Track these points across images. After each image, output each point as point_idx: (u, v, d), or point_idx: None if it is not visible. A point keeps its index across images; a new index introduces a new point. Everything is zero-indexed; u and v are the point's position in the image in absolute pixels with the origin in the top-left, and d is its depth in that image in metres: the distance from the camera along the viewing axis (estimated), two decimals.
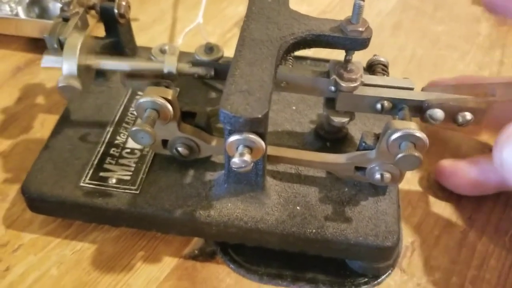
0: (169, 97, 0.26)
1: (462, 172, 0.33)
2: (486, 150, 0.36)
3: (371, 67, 0.30)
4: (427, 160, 0.36)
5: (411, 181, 0.35)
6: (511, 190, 0.32)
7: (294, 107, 0.35)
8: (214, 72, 0.31)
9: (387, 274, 0.30)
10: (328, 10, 0.48)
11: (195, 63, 0.31)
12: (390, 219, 0.28)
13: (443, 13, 0.49)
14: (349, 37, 0.26)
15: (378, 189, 0.30)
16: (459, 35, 0.47)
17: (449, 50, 0.45)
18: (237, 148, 0.24)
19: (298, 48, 0.27)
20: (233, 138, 0.24)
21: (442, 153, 0.36)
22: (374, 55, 0.31)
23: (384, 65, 0.30)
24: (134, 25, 0.38)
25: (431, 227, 0.33)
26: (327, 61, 0.38)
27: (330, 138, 0.32)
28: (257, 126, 0.23)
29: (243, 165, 0.24)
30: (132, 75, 0.30)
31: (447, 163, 0.34)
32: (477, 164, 0.32)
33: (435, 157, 0.36)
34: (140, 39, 0.40)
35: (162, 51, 0.35)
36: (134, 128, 0.25)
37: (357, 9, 0.25)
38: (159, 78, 0.31)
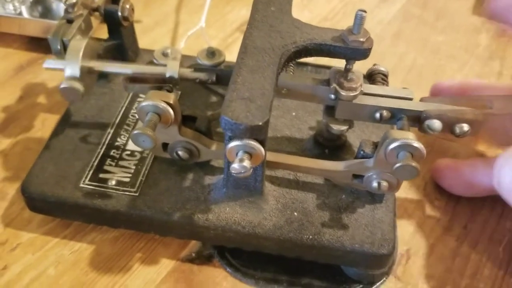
0: (171, 101, 0.26)
1: (457, 172, 0.33)
2: (485, 155, 0.37)
3: (371, 76, 0.31)
4: (424, 168, 0.36)
5: (407, 189, 0.35)
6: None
7: (294, 113, 0.35)
8: (215, 77, 0.31)
9: (382, 281, 0.30)
10: (330, 17, 0.49)
11: (197, 68, 0.31)
12: (386, 227, 0.29)
13: (444, 23, 0.50)
14: (350, 47, 0.26)
15: (375, 197, 0.30)
16: (459, 45, 0.47)
17: (448, 60, 0.46)
18: (236, 153, 0.24)
19: (300, 56, 0.27)
20: (233, 144, 0.24)
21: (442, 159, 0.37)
22: (374, 65, 0.31)
23: (384, 74, 0.31)
24: (136, 27, 0.38)
25: (427, 235, 0.33)
26: (328, 67, 0.38)
27: (329, 145, 0.32)
28: (258, 133, 0.23)
29: (242, 171, 0.24)
30: (134, 79, 0.31)
31: (444, 162, 0.35)
32: (472, 166, 0.33)
33: (432, 165, 0.36)
34: (142, 41, 0.40)
35: (165, 55, 0.35)
36: (135, 132, 0.25)
37: (359, 20, 0.25)
38: (161, 83, 0.31)
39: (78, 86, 0.29)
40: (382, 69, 0.31)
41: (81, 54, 0.29)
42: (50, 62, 0.30)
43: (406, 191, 0.35)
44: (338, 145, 0.32)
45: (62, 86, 0.29)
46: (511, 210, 0.34)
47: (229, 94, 0.23)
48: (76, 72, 0.29)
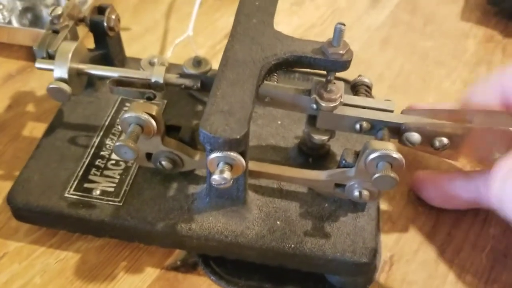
0: (153, 113, 0.27)
1: (436, 184, 0.34)
2: (466, 168, 0.37)
3: (355, 87, 0.31)
4: (407, 176, 0.36)
5: (391, 196, 0.35)
6: (484, 207, 0.33)
7: (279, 122, 0.35)
8: (200, 84, 0.32)
9: None
10: (318, 24, 0.49)
11: (183, 75, 0.32)
12: (368, 236, 0.29)
13: (432, 28, 0.50)
14: (330, 59, 0.26)
15: (357, 206, 0.30)
16: (447, 51, 0.47)
17: (436, 66, 0.46)
18: (217, 165, 0.25)
19: (280, 68, 0.27)
20: (214, 155, 0.24)
21: (423, 169, 0.37)
22: (359, 76, 0.31)
23: (367, 86, 0.31)
24: (126, 35, 0.38)
25: (410, 242, 0.33)
26: (316, 75, 0.38)
27: (313, 154, 0.33)
28: (236, 146, 0.23)
29: (223, 182, 0.24)
30: (120, 82, 0.31)
31: (423, 174, 0.35)
32: (451, 179, 0.33)
33: (412, 177, 0.36)
34: (132, 49, 0.41)
35: (151, 64, 0.35)
36: (117, 143, 0.25)
37: (338, 33, 0.26)
38: (147, 88, 0.31)
39: (66, 86, 0.29)
40: (366, 80, 0.31)
41: (70, 55, 0.30)
42: (41, 62, 0.30)
43: (390, 198, 0.35)
44: (322, 154, 0.33)
45: (50, 86, 0.29)
46: (495, 217, 0.35)
47: (208, 107, 0.24)
48: (65, 73, 0.29)
